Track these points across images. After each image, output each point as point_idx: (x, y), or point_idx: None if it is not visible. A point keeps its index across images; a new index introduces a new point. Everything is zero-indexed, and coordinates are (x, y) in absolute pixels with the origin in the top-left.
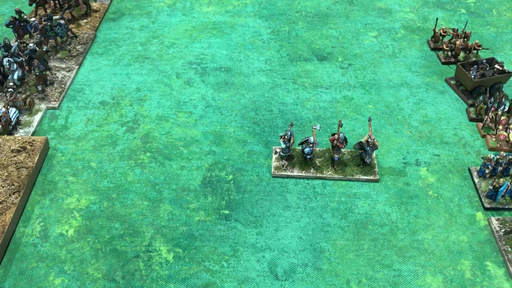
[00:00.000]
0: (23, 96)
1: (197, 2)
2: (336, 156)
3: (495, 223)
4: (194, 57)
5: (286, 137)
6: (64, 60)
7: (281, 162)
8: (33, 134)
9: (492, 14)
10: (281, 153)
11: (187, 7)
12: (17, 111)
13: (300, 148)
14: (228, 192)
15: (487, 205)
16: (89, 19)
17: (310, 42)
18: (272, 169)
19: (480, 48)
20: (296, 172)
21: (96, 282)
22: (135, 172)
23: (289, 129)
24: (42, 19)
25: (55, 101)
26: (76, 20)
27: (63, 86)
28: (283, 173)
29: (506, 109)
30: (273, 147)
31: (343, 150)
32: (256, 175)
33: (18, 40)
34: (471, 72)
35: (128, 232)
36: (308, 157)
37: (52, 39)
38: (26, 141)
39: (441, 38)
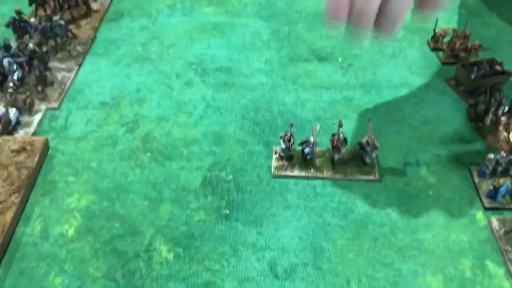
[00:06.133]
0: (23, 96)
1: (197, 2)
2: (336, 156)
3: (495, 223)
4: (194, 58)
5: (286, 137)
6: (64, 60)
7: (281, 162)
8: (33, 134)
9: (492, 14)
10: (281, 153)
11: (187, 8)
12: (17, 111)
13: (300, 148)
14: (228, 192)
15: (487, 205)
16: (89, 20)
17: (310, 42)
18: (272, 169)
19: (480, 48)
20: (296, 172)
21: (96, 282)
22: (135, 172)
23: (289, 129)
24: (42, 19)
25: (55, 101)
26: (76, 20)
27: (63, 86)
28: (283, 173)
29: (506, 110)
30: (273, 147)
31: (343, 150)
32: (256, 175)
33: (18, 41)
34: (471, 72)
35: (128, 232)
36: (308, 157)
37: (52, 40)
38: (26, 142)
39: (441, 38)
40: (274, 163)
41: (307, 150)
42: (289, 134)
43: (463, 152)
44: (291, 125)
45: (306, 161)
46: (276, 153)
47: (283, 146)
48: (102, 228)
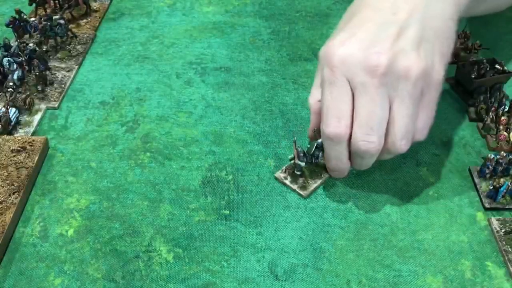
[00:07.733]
0: (23, 96)
1: (197, 2)
2: None
3: (495, 223)
4: (194, 57)
5: (299, 154)
6: (64, 60)
7: (299, 180)
8: (33, 134)
9: (492, 14)
10: (295, 171)
11: (187, 7)
12: (17, 111)
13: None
14: (228, 192)
15: (487, 205)
16: (89, 19)
17: (310, 42)
18: (301, 193)
19: (480, 48)
20: (319, 182)
21: (96, 282)
22: (135, 172)
23: (295, 146)
24: (42, 19)
25: (55, 101)
26: (76, 20)
27: (63, 86)
28: (311, 188)
29: (506, 109)
30: (278, 174)
31: None
32: (256, 175)
33: (18, 40)
34: (471, 72)
35: (128, 232)
36: (319, 159)
37: (52, 39)
38: (26, 141)
39: None
40: (296, 186)
41: (320, 154)
42: (299, 150)
43: (463, 152)
44: (295, 141)
45: (317, 166)
46: (286, 178)
47: (303, 163)
48: (102, 228)
